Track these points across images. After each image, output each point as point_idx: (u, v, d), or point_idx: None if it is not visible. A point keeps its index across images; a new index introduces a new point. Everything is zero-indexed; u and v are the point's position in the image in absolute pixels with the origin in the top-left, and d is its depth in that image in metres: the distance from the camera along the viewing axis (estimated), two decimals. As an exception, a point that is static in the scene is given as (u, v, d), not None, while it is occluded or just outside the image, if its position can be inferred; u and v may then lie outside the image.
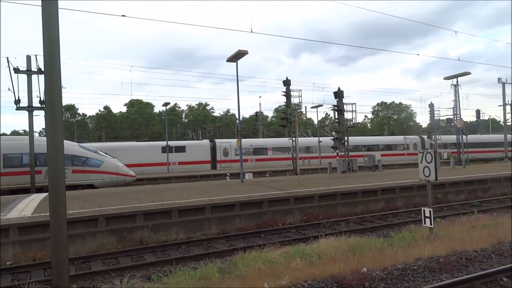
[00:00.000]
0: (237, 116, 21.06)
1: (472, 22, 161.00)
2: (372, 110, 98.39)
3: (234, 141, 40.21)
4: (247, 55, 18.64)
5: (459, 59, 24.67)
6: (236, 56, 18.78)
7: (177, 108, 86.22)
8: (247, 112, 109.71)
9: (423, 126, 73.46)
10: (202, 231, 11.70)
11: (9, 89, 19.09)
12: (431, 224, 9.13)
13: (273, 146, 40.47)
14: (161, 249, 10.17)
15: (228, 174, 28.64)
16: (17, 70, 19.30)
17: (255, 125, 52.73)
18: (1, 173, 19.21)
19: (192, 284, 6.50)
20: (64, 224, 5.32)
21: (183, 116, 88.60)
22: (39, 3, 5.33)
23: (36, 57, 19.54)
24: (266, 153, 39.83)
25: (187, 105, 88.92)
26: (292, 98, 24.89)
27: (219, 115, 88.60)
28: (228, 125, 76.75)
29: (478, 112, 53.98)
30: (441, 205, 15.55)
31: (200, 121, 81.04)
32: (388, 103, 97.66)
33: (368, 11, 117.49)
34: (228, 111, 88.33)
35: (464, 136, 33.90)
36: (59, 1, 5.46)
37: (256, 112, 54.31)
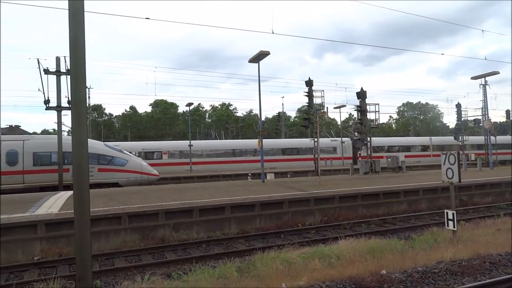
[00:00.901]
0: (259, 116, 21.10)
1: (503, 20, 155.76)
2: (397, 110, 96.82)
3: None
4: (270, 55, 18.69)
5: (485, 59, 23.94)
6: (258, 57, 18.87)
7: (200, 108, 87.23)
8: (270, 112, 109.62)
9: (450, 127, 71.81)
10: (222, 230, 11.83)
11: (39, 90, 19.77)
12: (454, 226, 8.97)
13: (169, 149, 36.31)
14: (181, 247, 10.35)
15: (249, 174, 28.74)
16: (46, 71, 19.95)
17: (278, 125, 52.54)
18: (31, 170, 19.93)
19: (211, 282, 6.60)
20: (87, 221, 5.50)
21: (207, 116, 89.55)
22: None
23: (65, 58, 20.19)
24: (160, 157, 35.27)
25: (211, 105, 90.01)
26: (314, 99, 24.76)
27: (242, 115, 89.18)
28: (250, 125, 77.06)
29: (508, 112, 52.01)
30: (466, 208, 15.20)
31: (223, 121, 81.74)
32: (414, 103, 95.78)
33: (393, 11, 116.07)
34: (251, 111, 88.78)
35: (492, 137, 32.87)
36: (85, 2, 5.65)
37: (279, 113, 54.06)
